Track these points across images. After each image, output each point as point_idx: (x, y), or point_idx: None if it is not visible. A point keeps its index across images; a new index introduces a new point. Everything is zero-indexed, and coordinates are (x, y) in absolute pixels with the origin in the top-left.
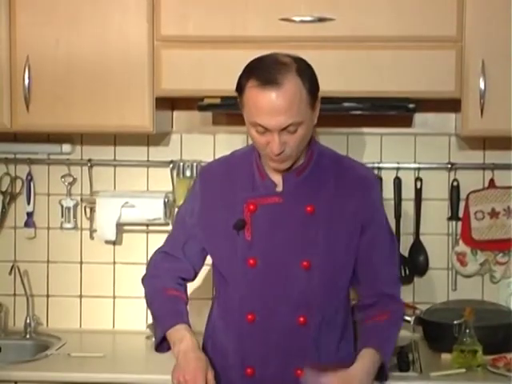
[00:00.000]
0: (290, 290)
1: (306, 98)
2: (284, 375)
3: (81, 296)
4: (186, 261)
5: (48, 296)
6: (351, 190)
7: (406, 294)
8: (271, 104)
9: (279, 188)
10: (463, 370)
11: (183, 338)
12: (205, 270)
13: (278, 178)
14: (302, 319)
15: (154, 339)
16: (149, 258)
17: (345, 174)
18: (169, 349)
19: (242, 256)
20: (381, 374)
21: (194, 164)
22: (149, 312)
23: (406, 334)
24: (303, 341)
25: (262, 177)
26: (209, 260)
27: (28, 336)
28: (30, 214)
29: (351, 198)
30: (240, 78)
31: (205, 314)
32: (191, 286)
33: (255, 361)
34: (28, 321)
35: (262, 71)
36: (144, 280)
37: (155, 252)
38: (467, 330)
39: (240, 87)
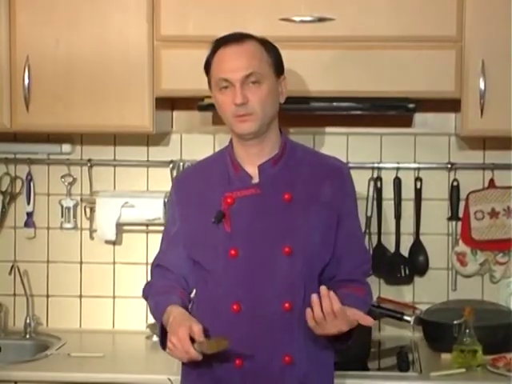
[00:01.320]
0: (273, 276)
1: (269, 62)
2: (273, 363)
3: (81, 296)
4: (177, 271)
5: (48, 296)
6: (326, 179)
7: (406, 294)
8: (232, 54)
9: (255, 180)
10: (463, 370)
11: (170, 314)
12: None
13: (253, 170)
14: (287, 305)
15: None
16: (149, 267)
17: (319, 164)
18: None
19: (223, 248)
20: (344, 340)
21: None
22: (148, 312)
23: (405, 334)
24: (290, 326)
25: (236, 170)
26: None
27: (28, 336)
28: (29, 214)
29: (326, 187)
30: (207, 57)
31: None
32: None
33: (243, 351)
34: (28, 321)
35: (224, 38)
36: (144, 295)
37: (152, 264)
38: (467, 330)
39: (208, 63)
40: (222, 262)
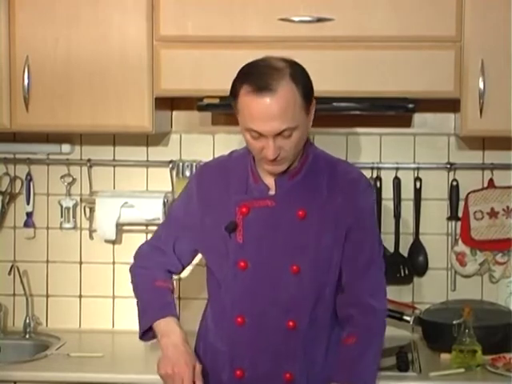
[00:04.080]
0: (279, 293)
1: (301, 102)
2: (273, 378)
3: (80, 296)
4: (174, 256)
5: (47, 296)
6: (340, 195)
7: (406, 294)
8: (265, 110)
9: (272, 191)
10: (462, 370)
11: (173, 331)
12: (202, 270)
13: (271, 182)
14: (291, 323)
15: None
16: (136, 249)
17: (337, 178)
18: (154, 337)
19: (234, 258)
20: None
21: (194, 164)
22: None
23: (405, 334)
24: (292, 344)
25: (255, 180)
26: (203, 260)
27: (27, 336)
28: (29, 214)
29: (339, 203)
30: (234, 83)
31: (200, 314)
32: (188, 286)
33: (244, 363)
34: (27, 321)
35: (256, 77)
36: (132, 269)
37: (144, 243)
38: (466, 330)
39: (234, 93)
40: (231, 272)
